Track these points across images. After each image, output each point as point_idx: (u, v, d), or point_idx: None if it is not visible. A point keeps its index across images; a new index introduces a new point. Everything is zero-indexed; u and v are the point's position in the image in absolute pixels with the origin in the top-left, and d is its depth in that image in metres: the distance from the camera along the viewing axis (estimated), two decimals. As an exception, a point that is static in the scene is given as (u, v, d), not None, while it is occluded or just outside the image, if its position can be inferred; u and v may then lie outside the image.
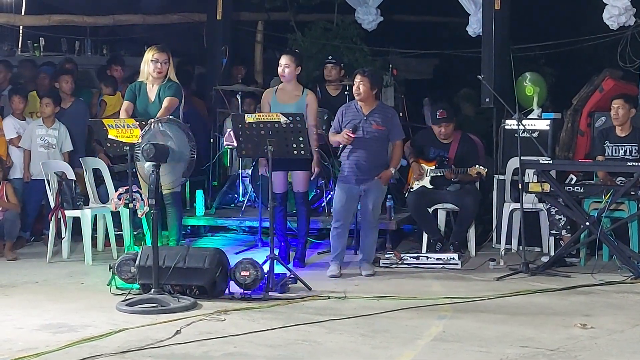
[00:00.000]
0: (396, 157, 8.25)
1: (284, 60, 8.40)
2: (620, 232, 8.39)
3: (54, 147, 9.62)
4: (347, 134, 8.02)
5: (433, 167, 8.99)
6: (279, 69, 8.43)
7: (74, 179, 9.06)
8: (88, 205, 9.20)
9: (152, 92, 8.19)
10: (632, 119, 8.67)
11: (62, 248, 8.90)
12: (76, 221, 8.93)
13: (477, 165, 8.75)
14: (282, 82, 8.50)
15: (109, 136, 7.65)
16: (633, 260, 8.02)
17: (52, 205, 8.87)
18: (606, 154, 8.68)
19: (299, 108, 8.16)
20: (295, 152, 7.54)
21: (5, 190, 9.05)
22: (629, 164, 8.27)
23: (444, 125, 8.98)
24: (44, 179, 8.99)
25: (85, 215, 8.82)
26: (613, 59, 9.94)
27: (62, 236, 8.87)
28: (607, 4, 9.68)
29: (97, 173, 9.47)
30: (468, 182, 8.97)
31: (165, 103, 8.02)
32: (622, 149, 8.63)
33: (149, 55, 8.21)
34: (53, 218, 8.81)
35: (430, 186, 9.01)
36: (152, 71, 8.15)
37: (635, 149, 8.56)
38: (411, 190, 9.09)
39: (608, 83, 9.65)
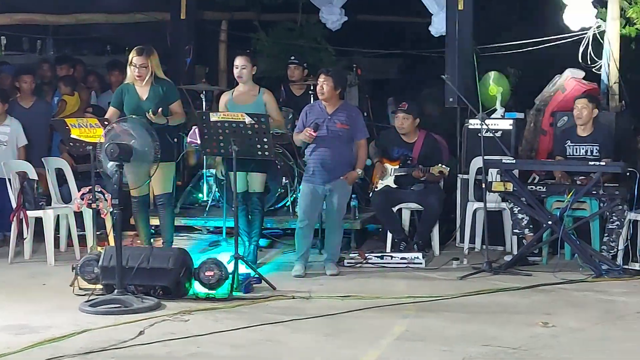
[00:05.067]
0: (361, 158, 8.27)
1: (241, 61, 8.37)
2: (582, 230, 8.45)
3: (5, 144, 9.57)
4: (309, 132, 8.04)
5: (397, 167, 9.02)
6: (236, 71, 8.40)
7: (36, 178, 8.99)
8: (50, 205, 9.14)
9: (143, 90, 8.03)
10: (594, 119, 8.75)
11: (24, 249, 8.83)
12: (38, 221, 8.85)
13: (439, 164, 8.79)
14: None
15: (72, 135, 7.62)
16: (594, 259, 8.10)
17: (14, 205, 8.79)
18: (567, 154, 8.75)
19: (257, 108, 8.15)
20: (260, 152, 7.56)
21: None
22: (590, 163, 8.36)
23: (401, 116, 9.01)
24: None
25: (47, 215, 8.76)
26: (575, 59, 10.01)
27: (24, 237, 8.80)
28: (567, 5, 9.76)
29: (59, 173, 9.40)
30: (432, 182, 9.01)
31: (177, 110, 8.09)
32: (583, 149, 8.70)
33: (129, 58, 8.04)
34: (15, 218, 8.73)
35: (394, 186, 9.03)
36: (133, 75, 8.02)
37: (596, 149, 8.63)
38: (375, 189, 9.11)
39: (570, 83, 9.72)
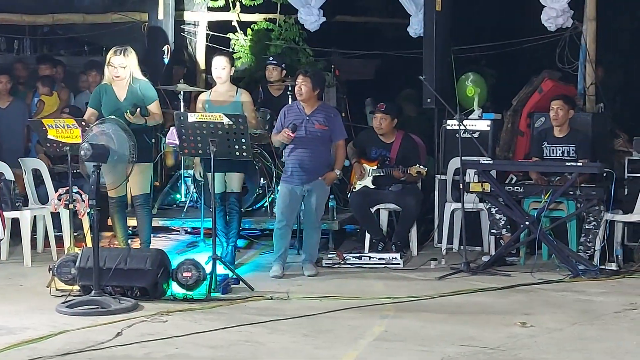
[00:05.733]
0: (340, 158, 8.28)
1: (221, 62, 8.37)
2: (559, 231, 8.50)
3: None
4: (287, 133, 8.04)
5: (375, 167, 9.03)
6: (216, 71, 8.39)
7: (13, 179, 8.93)
8: (27, 206, 9.08)
9: (121, 90, 7.99)
10: (570, 120, 8.80)
11: (0, 250, 8.77)
12: (15, 222, 8.80)
13: (417, 165, 8.81)
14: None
15: (49, 136, 7.57)
16: (571, 259, 8.14)
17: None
18: (544, 155, 8.79)
19: (235, 108, 8.15)
20: (238, 153, 7.55)
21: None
22: (567, 164, 8.40)
23: (379, 116, 9.03)
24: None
25: (24, 216, 8.70)
26: (552, 60, 10.06)
27: (1, 237, 8.73)
28: (545, 6, 9.82)
29: (36, 173, 9.35)
30: (410, 182, 9.02)
31: (155, 110, 8.05)
32: (559, 150, 8.74)
33: (107, 58, 8.00)
34: (-9, 219, 8.68)
35: (372, 186, 9.05)
36: (111, 76, 7.98)
37: (572, 150, 8.68)
38: (353, 190, 9.12)
39: (547, 84, 9.77)
